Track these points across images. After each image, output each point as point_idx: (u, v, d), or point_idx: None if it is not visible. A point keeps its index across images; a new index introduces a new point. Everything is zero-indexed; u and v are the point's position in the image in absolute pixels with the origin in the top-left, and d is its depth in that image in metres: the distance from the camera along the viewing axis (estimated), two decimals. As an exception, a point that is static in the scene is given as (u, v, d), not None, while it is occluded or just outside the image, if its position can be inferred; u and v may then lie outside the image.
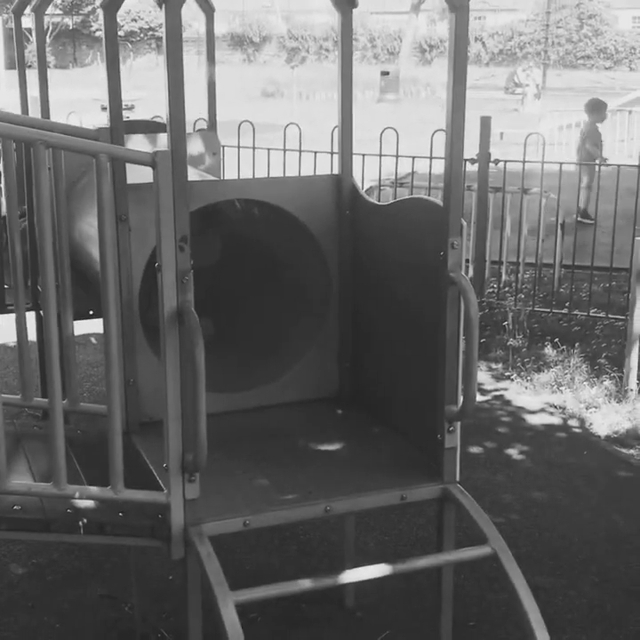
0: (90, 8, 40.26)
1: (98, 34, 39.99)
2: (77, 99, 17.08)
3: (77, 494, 2.21)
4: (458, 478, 2.52)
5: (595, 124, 10.03)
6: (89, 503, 2.30)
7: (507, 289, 6.97)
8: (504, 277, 7.13)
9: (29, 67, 4.42)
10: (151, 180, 2.12)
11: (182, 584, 2.41)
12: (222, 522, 2.33)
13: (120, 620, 3.13)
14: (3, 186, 2.96)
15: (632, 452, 4.56)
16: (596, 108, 10.11)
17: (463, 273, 2.40)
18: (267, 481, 2.50)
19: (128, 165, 2.60)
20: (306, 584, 2.28)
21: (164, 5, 2.02)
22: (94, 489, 2.24)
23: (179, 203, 2.11)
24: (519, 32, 42.17)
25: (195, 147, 4.14)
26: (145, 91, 20.65)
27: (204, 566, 2.19)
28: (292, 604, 3.15)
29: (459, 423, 2.49)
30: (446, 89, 2.29)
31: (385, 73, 26.95)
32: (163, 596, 3.22)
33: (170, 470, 2.23)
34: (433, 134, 5.67)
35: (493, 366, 5.67)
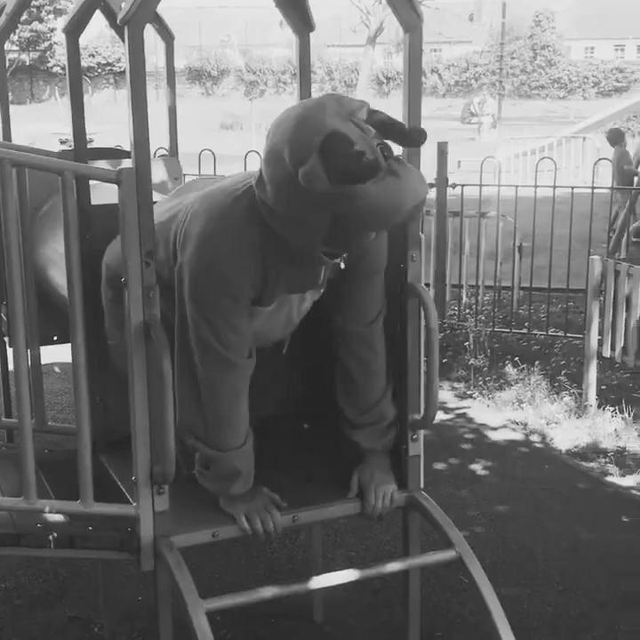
0: (46, 44, 40.30)
1: (55, 69, 40.05)
2: (36, 133, 17.08)
3: (47, 508, 2.22)
4: (422, 486, 2.57)
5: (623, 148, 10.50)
6: (58, 517, 2.32)
7: (467, 311, 7.07)
8: (465, 300, 7.25)
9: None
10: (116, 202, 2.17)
11: (153, 600, 2.43)
12: (191, 533, 2.36)
13: (90, 640, 3.13)
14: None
15: (592, 465, 4.65)
16: (618, 137, 10.60)
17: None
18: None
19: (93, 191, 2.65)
20: (274, 591, 2.31)
21: (126, 26, 2.07)
22: (64, 503, 2.26)
23: (143, 218, 2.15)
24: (474, 63, 42.85)
25: (157, 172, 4.18)
26: (103, 125, 20.71)
27: (174, 576, 2.21)
28: (262, 620, 3.17)
29: (422, 432, 2.55)
30: (403, 104, 2.37)
31: (343, 105, 27.22)
32: (133, 616, 3.23)
33: (138, 483, 2.25)
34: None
35: (456, 385, 5.75)
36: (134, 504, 2.29)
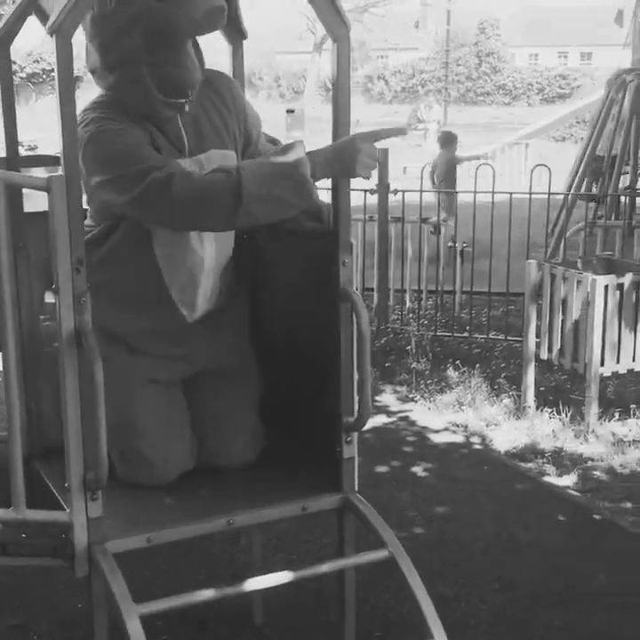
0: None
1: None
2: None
3: (-21, 516, 2.22)
4: (357, 488, 2.61)
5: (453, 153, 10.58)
6: (-9, 525, 2.32)
7: (410, 315, 7.15)
8: (408, 304, 7.32)
9: None
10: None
11: (89, 606, 2.44)
12: (125, 539, 2.37)
13: (28, 649, 3.12)
14: None
15: (530, 465, 4.74)
16: (449, 140, 10.65)
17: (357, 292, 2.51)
18: (169, 497, 2.55)
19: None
20: (210, 594, 2.33)
21: (54, 35, 2.09)
22: (-4, 510, 2.26)
23: (74, 225, 2.17)
24: (420, 70, 43.20)
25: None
26: (47, 131, 20.51)
27: (108, 582, 2.22)
28: (201, 625, 3.19)
29: (356, 434, 2.59)
30: (332, 112, 2.41)
31: (290, 111, 27.30)
32: (72, 624, 3.22)
33: (71, 489, 2.26)
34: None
35: (398, 389, 5.81)
36: (68, 510, 2.30)
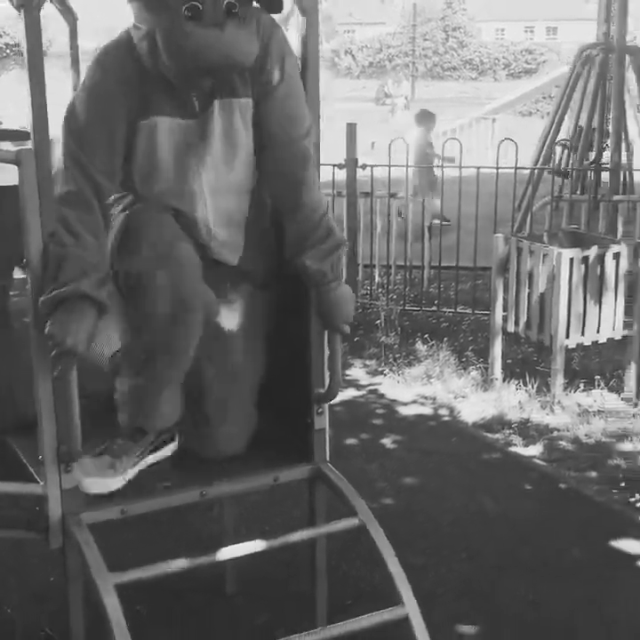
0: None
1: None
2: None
3: (-48, 489, 2.24)
4: (328, 458, 2.65)
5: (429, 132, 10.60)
6: (-36, 498, 2.33)
7: (379, 290, 7.19)
8: (377, 279, 7.36)
9: None
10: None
11: (63, 579, 2.46)
12: (100, 511, 2.39)
13: (0, 622, 3.14)
14: None
15: (498, 436, 4.81)
16: (426, 118, 10.66)
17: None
18: (143, 470, 2.57)
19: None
20: (183, 563, 2.37)
21: (22, 9, 2.09)
22: (-32, 483, 2.28)
23: (44, 199, 2.17)
24: (387, 45, 43.05)
25: (58, 153, 4.16)
26: (12, 106, 20.25)
27: (83, 552, 2.25)
28: (175, 595, 3.22)
29: (326, 406, 2.63)
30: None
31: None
32: (45, 597, 3.24)
33: (45, 461, 2.28)
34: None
35: (367, 363, 5.87)
36: (41, 483, 2.32)
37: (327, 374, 2.57)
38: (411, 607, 2.37)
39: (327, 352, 2.56)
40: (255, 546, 2.46)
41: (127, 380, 2.51)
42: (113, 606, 2.17)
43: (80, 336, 2.18)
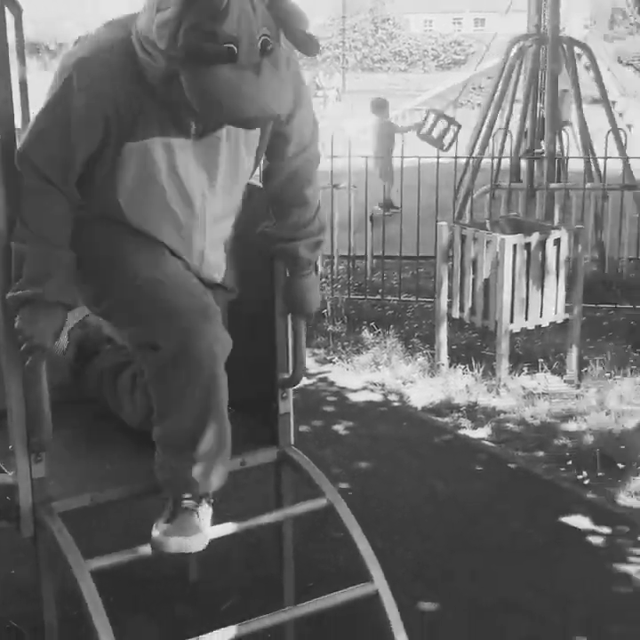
0: None
1: None
2: None
3: None
4: (293, 442, 2.70)
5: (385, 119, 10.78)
6: None
7: (324, 280, 7.24)
8: (320, 269, 7.40)
9: None
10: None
11: (34, 568, 2.47)
12: (70, 499, 2.41)
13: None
14: None
15: (446, 420, 4.91)
16: (381, 106, 10.86)
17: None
18: (112, 459, 2.59)
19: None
20: (148, 550, 2.38)
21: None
22: (-61, 474, 2.27)
23: (9, 187, 2.18)
24: (318, 37, 43.04)
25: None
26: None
27: (57, 540, 2.26)
28: (140, 583, 3.24)
29: (291, 390, 2.68)
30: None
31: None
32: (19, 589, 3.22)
33: (16, 451, 2.29)
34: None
35: (316, 351, 5.92)
36: (11, 473, 2.33)
37: (291, 359, 2.62)
38: (380, 584, 2.43)
39: (291, 338, 2.61)
40: (225, 528, 2.49)
41: (173, 461, 2.35)
42: (90, 591, 2.19)
43: (47, 333, 2.19)
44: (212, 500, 2.42)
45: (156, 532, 2.29)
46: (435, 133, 8.63)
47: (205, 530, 2.34)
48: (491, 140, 7.85)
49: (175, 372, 2.25)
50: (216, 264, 2.45)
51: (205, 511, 2.37)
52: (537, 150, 8.15)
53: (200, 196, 2.29)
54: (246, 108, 1.91)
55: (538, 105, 8.29)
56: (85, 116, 2.11)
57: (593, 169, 7.83)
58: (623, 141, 7.52)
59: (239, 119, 1.97)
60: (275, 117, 2.03)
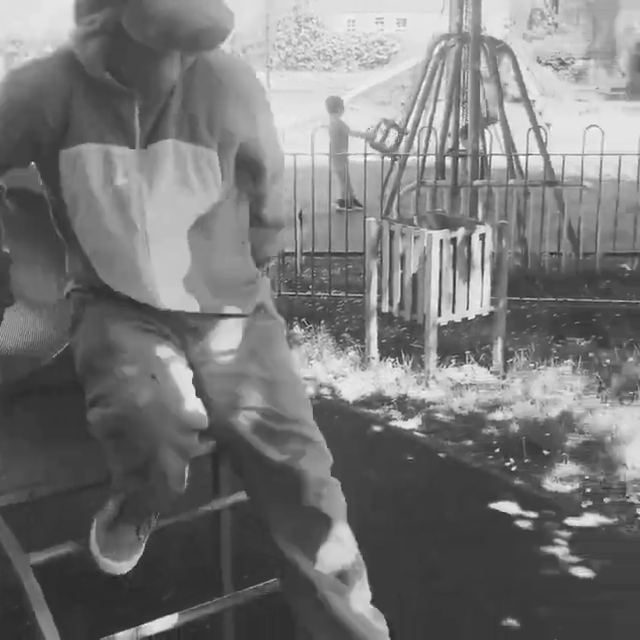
0: None
1: None
2: None
3: None
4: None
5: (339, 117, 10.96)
6: None
7: (253, 277, 7.27)
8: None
9: None
10: None
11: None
12: (8, 494, 2.40)
13: None
14: None
15: (378, 412, 4.99)
16: (336, 104, 11.04)
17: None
18: (51, 456, 2.58)
19: None
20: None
21: None
22: None
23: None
24: (241, 35, 42.94)
25: None
26: None
27: (-3, 535, 2.27)
28: (75, 580, 3.22)
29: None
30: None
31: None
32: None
33: (-46, 448, 2.29)
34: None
35: (247, 348, 5.95)
36: (-51, 470, 2.32)
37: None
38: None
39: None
40: (161, 522, 2.52)
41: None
42: (32, 586, 2.20)
43: None
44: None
45: (93, 536, 2.33)
46: (387, 143, 8.71)
47: (141, 548, 2.40)
48: (415, 138, 7.98)
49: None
50: (182, 292, 2.26)
51: (146, 527, 2.42)
52: (460, 148, 8.30)
53: (140, 215, 2.15)
54: (196, 18, 1.85)
55: (460, 103, 8.43)
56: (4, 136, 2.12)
57: (515, 166, 8.02)
58: (544, 139, 7.71)
59: (191, 32, 1.87)
60: (225, 31, 1.93)
